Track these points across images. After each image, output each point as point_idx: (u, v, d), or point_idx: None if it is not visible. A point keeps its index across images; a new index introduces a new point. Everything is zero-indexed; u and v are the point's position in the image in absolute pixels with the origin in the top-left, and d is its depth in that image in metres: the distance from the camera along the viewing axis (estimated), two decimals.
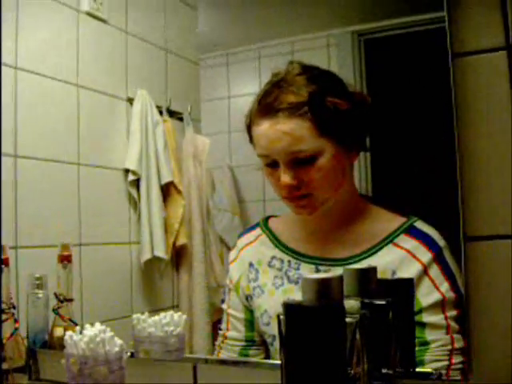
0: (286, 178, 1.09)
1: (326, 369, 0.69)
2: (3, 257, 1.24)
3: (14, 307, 1.23)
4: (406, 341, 0.88)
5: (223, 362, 1.23)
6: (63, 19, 1.54)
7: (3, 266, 1.23)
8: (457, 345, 1.03)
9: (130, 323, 1.19)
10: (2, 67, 1.38)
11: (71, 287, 1.28)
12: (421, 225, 1.12)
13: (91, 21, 1.59)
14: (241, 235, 1.32)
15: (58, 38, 1.53)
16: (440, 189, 1.32)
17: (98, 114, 1.63)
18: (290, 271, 1.18)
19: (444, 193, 1.01)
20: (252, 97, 1.15)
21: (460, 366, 1.01)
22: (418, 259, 1.08)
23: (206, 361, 1.26)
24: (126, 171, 1.66)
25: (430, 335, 1.05)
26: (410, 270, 1.07)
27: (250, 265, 1.24)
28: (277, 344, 1.13)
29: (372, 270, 0.84)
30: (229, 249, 1.50)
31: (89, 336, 0.98)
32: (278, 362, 0.74)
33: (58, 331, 1.26)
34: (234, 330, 1.25)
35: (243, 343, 1.24)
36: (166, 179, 1.71)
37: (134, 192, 1.67)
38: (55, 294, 1.27)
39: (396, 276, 1.07)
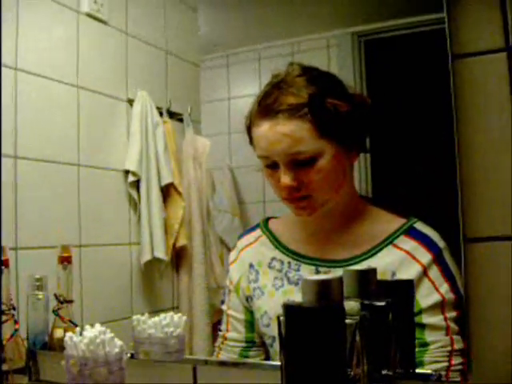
0: (285, 179, 1.09)
1: (325, 370, 0.69)
2: (3, 258, 1.23)
3: (14, 308, 1.23)
4: (406, 342, 0.88)
5: (223, 364, 1.23)
6: (63, 20, 1.54)
7: (3, 268, 1.23)
8: (456, 346, 1.03)
9: (130, 324, 1.19)
10: (2, 68, 1.38)
11: (71, 288, 1.28)
12: (420, 226, 1.12)
13: (91, 22, 1.60)
14: (241, 236, 1.32)
15: (58, 39, 1.53)
16: (440, 190, 1.32)
17: (98, 115, 1.63)
18: (290, 272, 1.18)
19: (444, 194, 1.01)
20: (252, 98, 1.15)
21: (460, 367, 1.01)
22: (417, 260, 1.08)
23: (206, 362, 1.26)
24: (126, 172, 1.66)
25: (429, 336, 1.05)
26: (409, 272, 1.07)
27: (250, 266, 1.24)
28: (277, 345, 1.13)
29: (372, 272, 0.84)
30: (229, 250, 1.50)
31: (89, 337, 0.98)
32: (278, 363, 0.74)
33: (58, 332, 1.26)
34: (234, 331, 1.25)
35: (243, 344, 1.24)
36: (166, 180, 1.72)
37: (134, 193, 1.67)
38: (55, 295, 1.27)
39: (396, 277, 1.07)
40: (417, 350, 0.98)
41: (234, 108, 1.87)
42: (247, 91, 1.80)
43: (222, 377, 1.09)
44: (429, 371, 1.00)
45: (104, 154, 1.64)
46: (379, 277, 0.86)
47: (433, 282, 1.06)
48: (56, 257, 1.29)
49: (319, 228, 1.19)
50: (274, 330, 1.14)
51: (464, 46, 0.86)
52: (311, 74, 1.12)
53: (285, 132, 1.07)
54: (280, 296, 1.17)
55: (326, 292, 0.70)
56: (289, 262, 1.19)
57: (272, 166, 1.12)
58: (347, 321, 0.72)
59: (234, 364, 1.20)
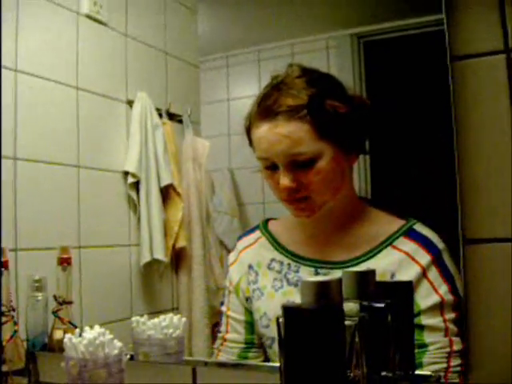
0: (285, 180, 1.09)
1: (325, 372, 0.69)
2: (3, 259, 1.24)
3: (13, 310, 1.23)
4: (406, 343, 0.88)
5: (222, 365, 1.23)
6: (63, 22, 1.54)
7: (3, 269, 1.23)
8: (455, 347, 1.03)
9: (129, 325, 1.19)
10: (2, 69, 1.38)
11: (71, 290, 1.28)
12: (420, 227, 1.12)
13: (91, 23, 1.60)
14: (240, 238, 1.32)
15: (57, 40, 1.53)
16: (439, 191, 1.32)
17: (97, 116, 1.63)
18: (289, 274, 1.18)
19: (443, 195, 1.01)
20: (252, 99, 1.15)
21: (458, 368, 1.02)
22: (416, 262, 1.08)
23: (206, 363, 1.26)
24: (126, 174, 1.66)
25: (428, 337, 1.05)
26: (409, 273, 1.07)
27: (250, 267, 1.24)
28: (276, 346, 1.13)
29: (371, 273, 0.84)
30: (228, 251, 1.50)
31: (88, 339, 0.99)
32: (277, 364, 0.74)
33: (58, 334, 1.26)
34: (233, 333, 1.25)
35: (243, 345, 1.24)
36: (165, 182, 1.71)
37: (133, 194, 1.67)
38: (55, 296, 1.27)
39: (395, 278, 1.07)
40: (415, 351, 0.98)
41: (234, 109, 1.87)
42: (247, 92, 1.80)
43: (221, 378, 1.10)
44: (428, 373, 1.00)
45: (103, 156, 1.64)
46: (378, 278, 0.86)
47: (432, 283, 1.06)
48: (55, 258, 1.29)
49: (318, 229, 1.19)
50: (273, 331, 1.14)
51: (463, 48, 0.86)
52: (311, 75, 1.13)
53: (284, 133, 1.08)
54: (279, 297, 1.17)
55: (325, 293, 0.70)
56: (288, 264, 1.19)
57: (271, 168, 1.12)
58: (346, 322, 0.72)
59: (234, 365, 1.20)
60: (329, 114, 1.08)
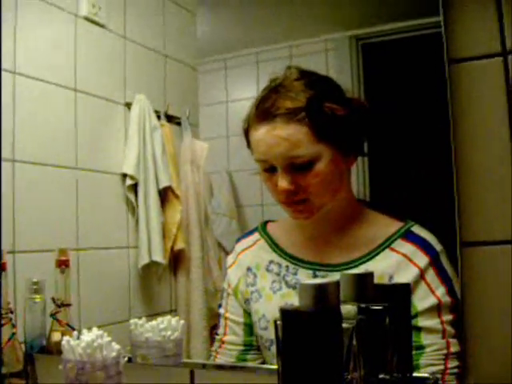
0: (283, 182, 1.10)
1: (322, 374, 0.69)
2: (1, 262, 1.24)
3: (11, 312, 1.23)
4: (403, 346, 0.88)
5: (220, 367, 1.23)
6: (61, 24, 1.54)
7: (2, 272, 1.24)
8: (453, 349, 1.03)
9: (127, 328, 1.19)
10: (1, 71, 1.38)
11: (69, 292, 1.28)
12: (418, 229, 1.12)
13: (89, 26, 1.60)
14: (239, 240, 1.32)
15: (56, 42, 1.53)
16: (438, 193, 1.32)
17: (95, 118, 1.63)
18: (287, 276, 1.18)
19: (442, 197, 1.01)
20: (250, 101, 1.16)
21: (456, 370, 1.02)
22: (414, 263, 1.08)
23: (204, 366, 1.26)
24: (124, 176, 1.66)
25: (425, 339, 1.05)
26: (407, 275, 1.07)
27: (248, 269, 1.24)
28: (274, 349, 1.13)
29: (369, 275, 0.84)
30: (227, 253, 1.50)
31: (86, 341, 0.99)
32: (276, 366, 0.74)
33: (56, 336, 1.26)
34: (232, 335, 1.25)
35: (241, 347, 1.24)
36: (163, 184, 1.71)
37: (131, 197, 1.67)
38: (53, 298, 1.27)
39: (393, 280, 1.07)
40: (413, 353, 0.98)
41: (232, 111, 1.87)
42: (245, 94, 1.80)
43: (219, 380, 1.10)
44: (426, 375, 1.00)
45: (102, 158, 1.64)
46: (377, 280, 0.86)
47: (429, 285, 1.07)
48: (54, 260, 1.29)
49: (317, 232, 1.19)
50: (271, 334, 1.14)
51: (460, 51, 0.86)
52: (309, 77, 1.13)
53: (282, 136, 1.08)
54: (278, 299, 1.17)
55: (323, 296, 0.70)
56: (287, 266, 1.19)
57: (270, 170, 1.12)
58: (344, 325, 0.72)
59: (232, 368, 1.20)
60: (327, 117, 1.08)
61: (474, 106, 0.85)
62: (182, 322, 1.19)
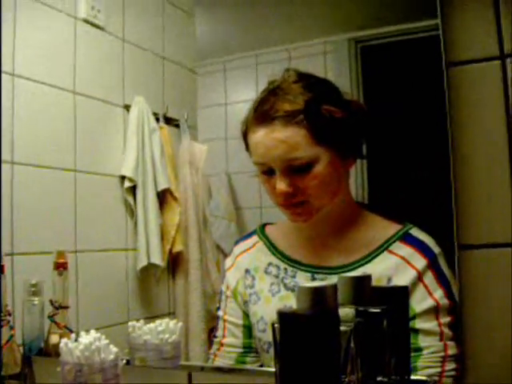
0: (281, 185, 1.09)
1: (320, 377, 0.69)
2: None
3: (9, 314, 1.23)
4: (401, 348, 0.88)
5: (219, 370, 1.22)
6: (60, 26, 1.54)
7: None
8: (450, 352, 1.03)
9: (125, 330, 1.19)
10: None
11: (67, 294, 1.28)
12: (416, 232, 1.12)
13: (88, 28, 1.60)
14: (237, 242, 1.32)
15: (55, 44, 1.53)
16: (436, 196, 1.32)
17: (94, 120, 1.63)
18: (286, 279, 1.18)
19: (440, 200, 1.01)
20: (249, 104, 1.16)
21: (453, 373, 1.01)
22: (412, 266, 1.08)
23: (202, 368, 1.26)
24: (123, 178, 1.66)
25: (423, 341, 1.05)
26: (405, 277, 1.07)
27: (247, 271, 1.24)
28: (272, 351, 1.13)
29: (367, 278, 0.84)
30: (225, 256, 1.50)
31: (84, 344, 0.99)
32: (274, 369, 0.74)
33: (54, 338, 1.26)
34: (231, 337, 1.25)
35: (240, 350, 1.24)
36: (162, 186, 1.72)
37: (130, 199, 1.67)
38: (51, 301, 1.27)
39: (391, 283, 1.07)
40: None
41: (231, 114, 1.87)
42: (244, 97, 1.80)
43: (217, 383, 1.09)
44: (424, 378, 1.00)
45: (100, 160, 1.64)
46: (375, 282, 0.86)
47: (427, 287, 1.07)
48: (52, 262, 1.29)
49: (315, 234, 1.19)
50: (269, 336, 1.14)
51: (458, 54, 0.86)
52: (307, 80, 1.13)
53: (281, 138, 1.08)
54: (276, 301, 1.17)
55: (321, 299, 0.70)
56: (285, 268, 1.19)
57: (268, 172, 1.12)
58: (342, 328, 0.72)
59: (230, 370, 1.20)
60: (325, 119, 1.08)
61: (472, 109, 0.85)
62: (180, 324, 1.19)
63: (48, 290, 1.28)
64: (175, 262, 1.75)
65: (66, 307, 1.27)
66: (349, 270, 1.11)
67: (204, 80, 1.90)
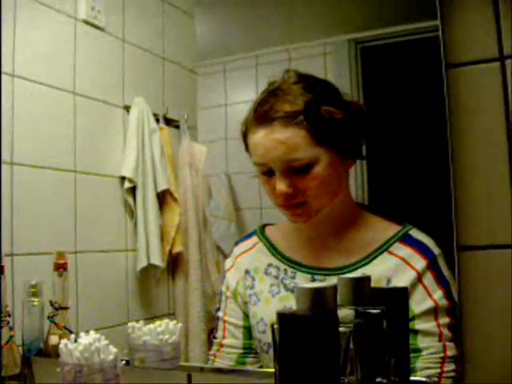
0: (281, 185, 1.10)
1: (319, 378, 0.69)
2: None
3: (9, 315, 1.23)
4: (401, 349, 0.88)
5: (218, 371, 1.22)
6: (60, 27, 1.54)
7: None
8: (449, 353, 1.03)
9: (125, 331, 1.19)
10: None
11: (67, 295, 1.28)
12: (416, 233, 1.12)
13: (88, 29, 1.60)
14: (237, 243, 1.32)
15: (55, 45, 1.53)
16: (436, 197, 1.32)
17: (94, 121, 1.63)
18: (286, 279, 1.18)
19: (440, 201, 1.01)
20: (249, 104, 1.16)
21: (452, 374, 1.01)
22: (412, 267, 1.08)
23: (202, 369, 1.25)
24: (123, 179, 1.66)
25: (422, 342, 1.05)
26: (404, 278, 1.07)
27: (246, 272, 1.24)
28: (272, 352, 1.13)
29: (366, 279, 0.84)
30: (225, 256, 1.50)
31: (83, 344, 0.99)
32: (273, 370, 0.74)
33: (54, 339, 1.26)
34: (231, 338, 1.25)
35: (241, 350, 1.24)
36: (162, 187, 1.72)
37: (130, 199, 1.67)
38: (50, 302, 1.27)
39: (391, 284, 1.07)
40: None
41: (231, 114, 1.87)
42: (244, 97, 1.80)
43: None
44: (423, 379, 1.00)
45: (100, 161, 1.64)
46: (375, 283, 0.86)
47: (426, 288, 1.07)
48: (52, 263, 1.29)
49: (315, 235, 1.19)
50: (269, 337, 1.13)
51: (458, 56, 0.86)
52: (307, 81, 1.13)
53: (280, 139, 1.08)
54: (276, 302, 1.17)
55: (320, 300, 0.70)
56: (285, 269, 1.19)
57: (268, 173, 1.12)
58: (341, 329, 0.72)
59: (230, 371, 1.20)
60: (325, 120, 1.08)
61: (472, 110, 0.85)
62: (180, 325, 1.19)
63: (48, 291, 1.28)
64: (175, 263, 1.75)
65: (66, 308, 1.27)
66: (348, 271, 1.11)
67: (204, 81, 1.90)
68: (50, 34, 1.52)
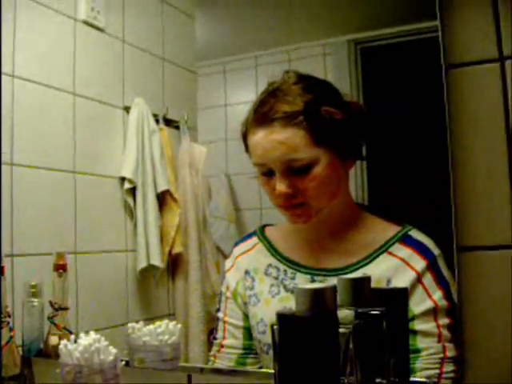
0: (281, 186, 1.10)
1: (319, 378, 0.69)
2: None
3: (9, 316, 1.23)
4: (400, 350, 0.88)
5: (218, 371, 1.22)
6: (60, 28, 1.54)
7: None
8: (449, 353, 1.03)
9: (125, 331, 1.19)
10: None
11: (67, 296, 1.28)
12: (415, 234, 1.12)
13: (88, 29, 1.60)
14: (237, 244, 1.32)
15: (54, 46, 1.53)
16: (436, 197, 1.32)
17: (94, 122, 1.63)
18: (285, 280, 1.18)
19: (440, 201, 1.01)
20: (249, 105, 1.16)
21: (452, 374, 1.01)
22: (412, 267, 1.08)
23: (202, 370, 1.26)
24: (122, 179, 1.66)
25: (421, 343, 1.05)
26: (404, 279, 1.07)
27: (246, 272, 1.24)
28: (272, 353, 1.13)
29: (366, 280, 0.84)
30: (225, 257, 1.50)
31: (83, 345, 0.99)
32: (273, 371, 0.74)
33: (53, 340, 1.26)
34: (231, 338, 1.25)
35: (241, 351, 1.24)
36: (162, 187, 1.71)
37: (130, 200, 1.67)
38: (50, 302, 1.27)
39: (391, 285, 1.07)
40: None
41: (231, 115, 1.87)
42: (244, 98, 1.80)
43: None
44: (423, 379, 1.00)
45: (100, 161, 1.64)
46: (374, 284, 0.86)
47: (426, 289, 1.07)
48: (51, 264, 1.29)
49: (315, 236, 1.19)
50: (269, 338, 1.13)
51: (457, 56, 0.86)
52: (307, 82, 1.13)
53: (280, 140, 1.08)
54: (276, 303, 1.17)
55: (320, 301, 0.70)
56: (285, 270, 1.19)
57: (268, 174, 1.12)
58: (341, 330, 0.72)
59: (230, 372, 1.20)
60: (325, 121, 1.08)
61: (471, 111, 0.85)
62: (180, 325, 1.19)
63: (48, 292, 1.28)
64: (175, 264, 1.75)
65: (66, 308, 1.27)
66: (348, 272, 1.11)
67: (204, 81, 1.90)
68: (49, 35, 1.52)
